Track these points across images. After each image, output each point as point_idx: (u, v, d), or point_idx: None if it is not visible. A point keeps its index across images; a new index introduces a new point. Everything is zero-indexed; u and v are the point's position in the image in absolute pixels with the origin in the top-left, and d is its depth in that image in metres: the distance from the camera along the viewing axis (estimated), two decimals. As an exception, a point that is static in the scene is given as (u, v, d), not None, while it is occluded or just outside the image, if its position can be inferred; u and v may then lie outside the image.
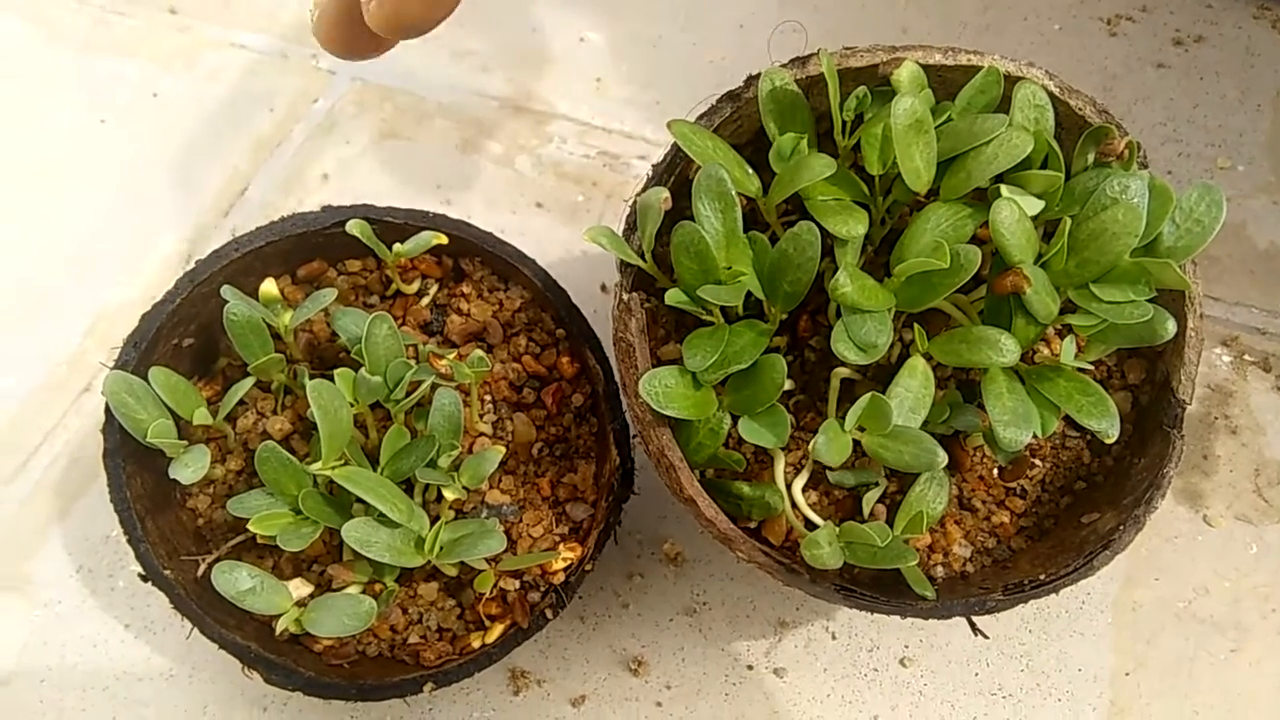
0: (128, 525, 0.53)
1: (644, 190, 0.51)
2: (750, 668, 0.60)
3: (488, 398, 0.58)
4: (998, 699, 0.58)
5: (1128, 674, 0.59)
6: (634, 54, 0.85)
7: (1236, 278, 0.72)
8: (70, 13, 0.90)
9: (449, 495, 0.52)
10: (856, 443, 0.48)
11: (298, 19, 0.89)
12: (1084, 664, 0.59)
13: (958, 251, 0.46)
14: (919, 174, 0.47)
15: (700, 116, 0.53)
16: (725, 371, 0.48)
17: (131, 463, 0.54)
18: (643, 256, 0.50)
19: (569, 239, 0.76)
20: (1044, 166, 0.49)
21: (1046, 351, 0.54)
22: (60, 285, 0.75)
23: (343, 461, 0.50)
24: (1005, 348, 0.46)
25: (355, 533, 0.49)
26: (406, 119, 0.82)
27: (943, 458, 0.46)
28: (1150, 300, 0.47)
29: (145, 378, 0.52)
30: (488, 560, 0.53)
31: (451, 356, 0.55)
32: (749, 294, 0.48)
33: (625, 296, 0.50)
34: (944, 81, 0.52)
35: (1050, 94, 0.50)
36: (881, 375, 0.53)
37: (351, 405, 0.51)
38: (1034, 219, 0.47)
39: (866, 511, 0.52)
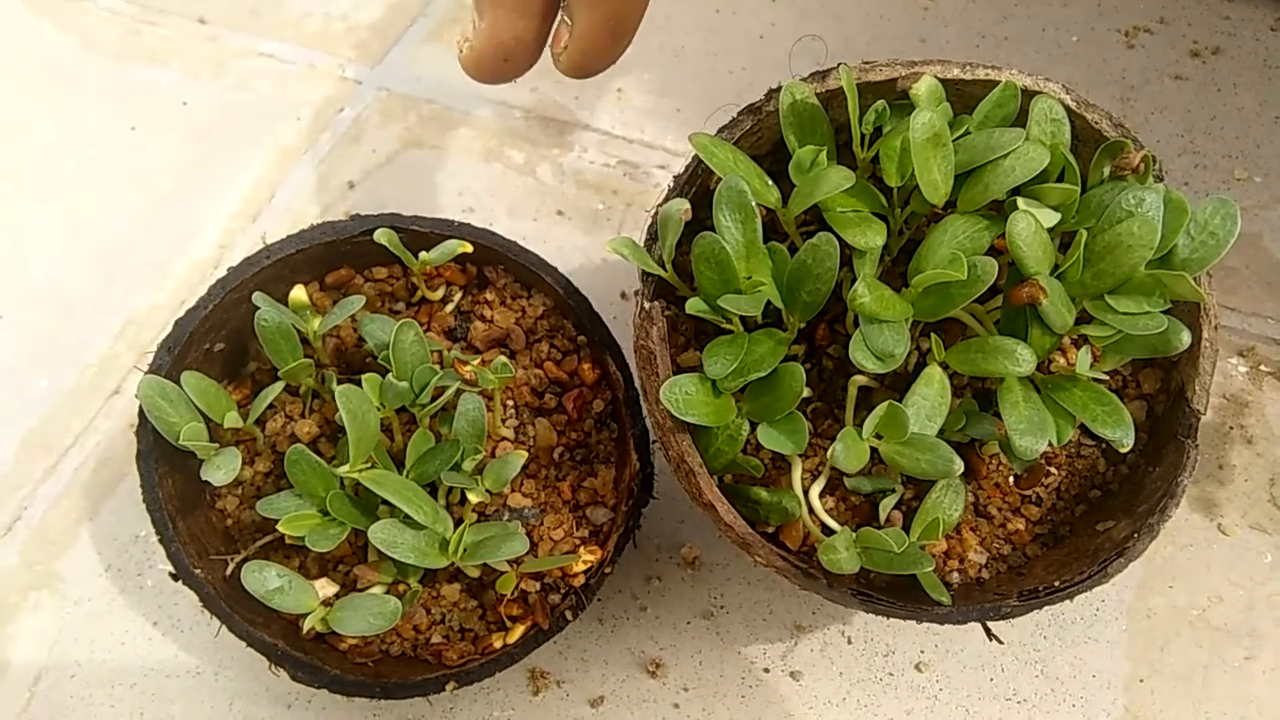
0: (159, 525, 0.54)
1: (665, 201, 0.52)
2: (766, 671, 0.60)
3: (510, 403, 0.59)
4: (1012, 704, 0.59)
5: (1142, 681, 0.59)
6: (655, 64, 0.87)
7: (1253, 288, 0.72)
8: (102, 22, 0.92)
9: (472, 498, 0.53)
10: (874, 450, 0.49)
11: (324, 29, 0.91)
12: (1098, 670, 0.59)
13: (975, 263, 0.46)
14: (937, 186, 0.48)
15: (721, 129, 0.53)
16: (745, 379, 0.49)
17: (163, 464, 0.55)
18: (664, 266, 0.51)
19: (589, 246, 0.77)
20: (1060, 179, 0.49)
21: (1062, 361, 0.54)
22: (91, 289, 0.77)
23: (370, 465, 0.52)
24: (1021, 357, 0.47)
25: (381, 534, 0.50)
26: (430, 128, 0.84)
27: (959, 465, 0.47)
28: (1165, 311, 0.47)
29: (178, 381, 0.54)
30: (510, 562, 0.54)
31: (475, 362, 0.56)
32: (768, 303, 0.49)
33: (647, 305, 0.51)
34: (961, 95, 0.52)
35: (1067, 108, 0.51)
36: (898, 384, 0.53)
37: (378, 409, 0.52)
38: (1050, 231, 0.48)
39: (883, 518, 0.53)
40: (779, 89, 0.52)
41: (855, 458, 0.48)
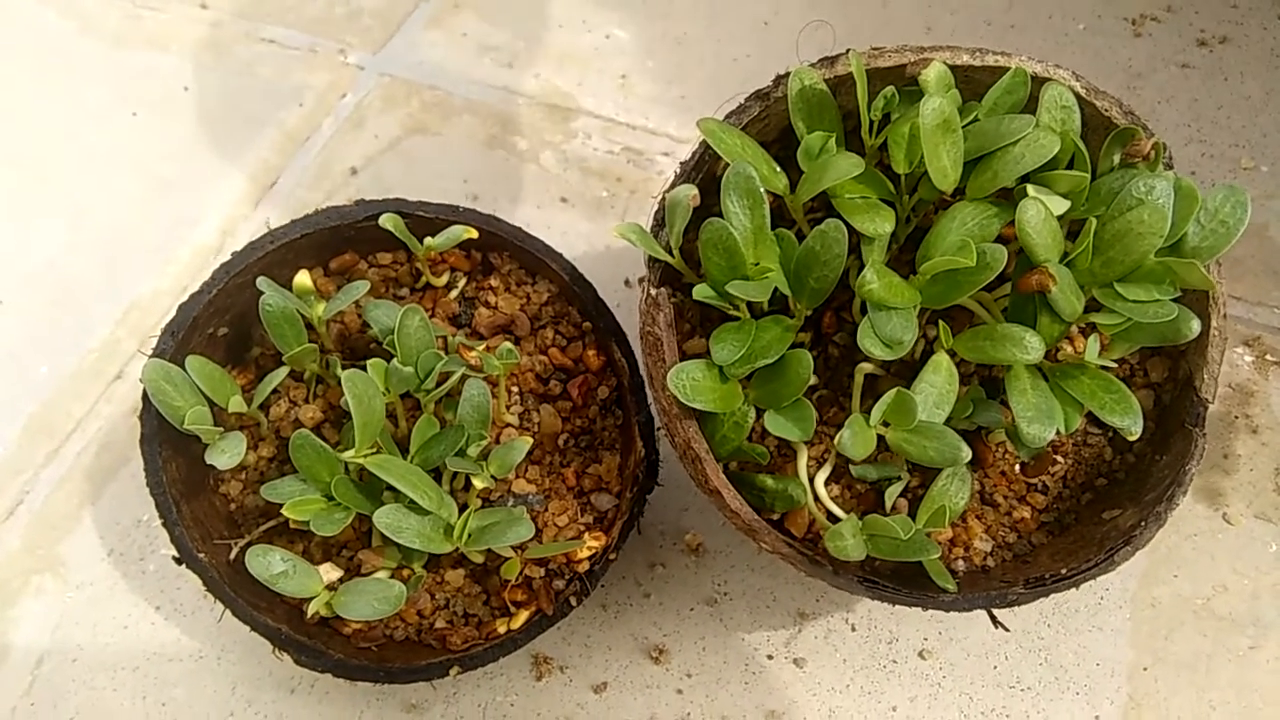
0: (163, 509, 0.54)
1: (672, 187, 0.52)
2: (770, 657, 0.60)
3: (515, 389, 0.59)
4: (1016, 692, 0.59)
5: (1146, 669, 0.59)
6: (660, 51, 0.86)
7: (1259, 278, 0.72)
8: (104, 6, 0.91)
9: (477, 484, 0.53)
10: (880, 437, 0.49)
11: (326, 14, 0.90)
12: (1102, 658, 0.59)
13: (983, 250, 0.46)
14: (946, 173, 0.48)
15: (729, 115, 0.53)
16: (752, 366, 0.49)
17: (167, 448, 0.55)
18: (671, 252, 0.51)
19: (593, 233, 0.77)
20: (1070, 167, 0.49)
21: (1070, 349, 0.54)
22: (93, 274, 0.77)
23: (375, 450, 0.51)
24: (1030, 345, 0.47)
25: (386, 519, 0.50)
26: (433, 114, 0.83)
27: (966, 453, 0.47)
28: (1174, 300, 0.47)
29: (182, 366, 0.53)
30: (514, 548, 0.54)
31: (480, 348, 0.56)
32: (775, 290, 0.49)
33: (653, 291, 0.51)
34: (971, 82, 0.52)
35: (1077, 95, 0.51)
36: (905, 371, 0.53)
37: (384, 395, 0.52)
38: (1060, 218, 0.48)
39: (889, 505, 0.53)
40: (787, 75, 0.52)
41: (862, 444, 0.47)
